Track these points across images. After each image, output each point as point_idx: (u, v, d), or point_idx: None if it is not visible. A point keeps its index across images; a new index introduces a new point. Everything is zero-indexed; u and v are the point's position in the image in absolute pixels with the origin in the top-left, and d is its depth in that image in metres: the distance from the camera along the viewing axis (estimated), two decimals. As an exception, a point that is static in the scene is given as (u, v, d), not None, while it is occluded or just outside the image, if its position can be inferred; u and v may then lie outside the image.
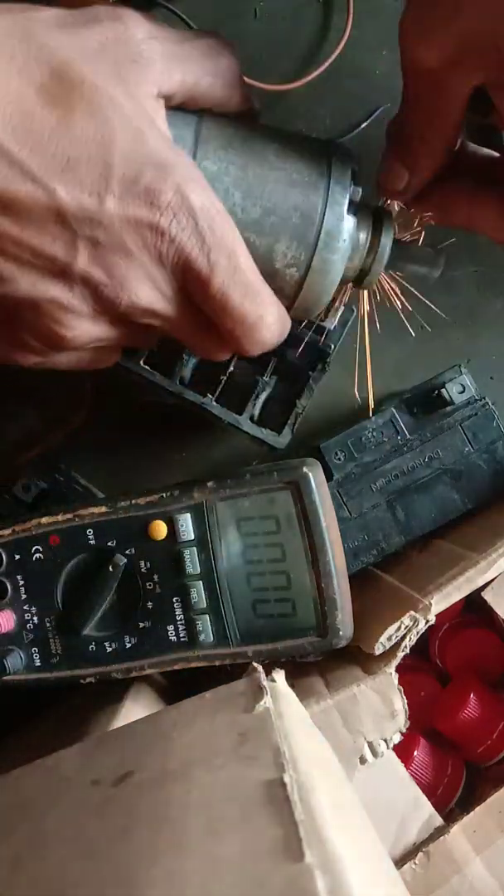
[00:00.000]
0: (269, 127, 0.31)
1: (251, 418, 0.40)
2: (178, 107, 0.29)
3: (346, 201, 0.30)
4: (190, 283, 0.28)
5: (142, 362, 0.38)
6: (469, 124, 0.31)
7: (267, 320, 0.29)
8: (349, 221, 0.30)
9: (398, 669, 0.33)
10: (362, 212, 0.32)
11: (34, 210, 0.25)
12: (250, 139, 0.30)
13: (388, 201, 0.33)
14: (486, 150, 0.33)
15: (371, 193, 0.33)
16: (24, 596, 0.33)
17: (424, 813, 0.34)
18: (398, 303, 0.38)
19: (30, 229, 0.25)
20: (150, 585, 0.33)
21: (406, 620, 0.33)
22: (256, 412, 0.41)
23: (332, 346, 0.40)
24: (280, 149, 0.30)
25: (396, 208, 0.34)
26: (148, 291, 0.27)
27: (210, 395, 0.39)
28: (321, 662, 0.37)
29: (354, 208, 0.31)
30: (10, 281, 0.26)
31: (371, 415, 0.41)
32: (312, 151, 0.30)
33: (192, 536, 0.33)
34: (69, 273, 0.26)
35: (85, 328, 0.28)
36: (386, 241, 0.32)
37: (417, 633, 0.33)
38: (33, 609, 0.33)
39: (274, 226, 0.29)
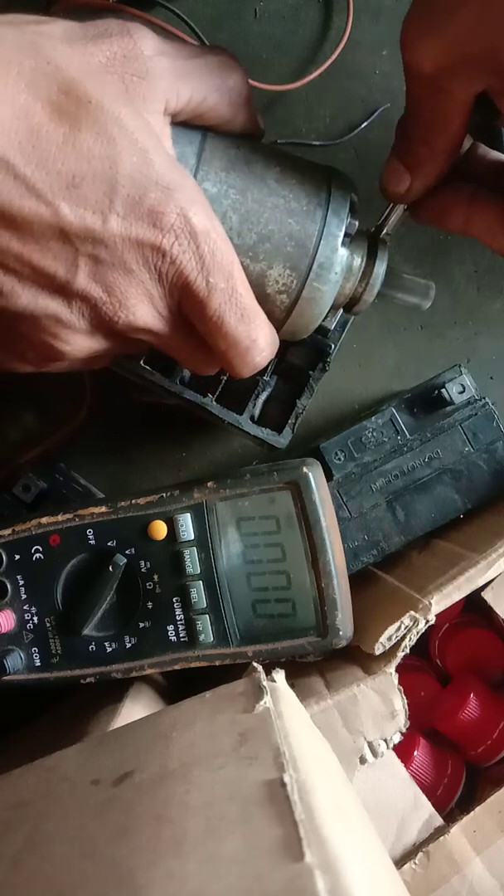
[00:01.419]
0: (271, 149, 0.31)
1: (251, 418, 0.40)
2: (184, 123, 0.29)
3: (342, 233, 0.30)
4: (187, 303, 0.28)
5: (142, 362, 0.38)
6: (478, 127, 0.30)
7: (259, 344, 0.30)
8: (343, 253, 0.30)
9: (398, 669, 0.33)
10: (358, 239, 0.32)
11: (37, 226, 0.25)
12: (252, 162, 0.30)
13: (385, 231, 0.33)
14: (496, 154, 0.32)
15: (374, 199, 0.33)
16: (24, 596, 0.33)
17: (424, 813, 0.34)
18: None
19: (31, 245, 0.25)
20: (150, 585, 0.33)
21: (406, 620, 0.33)
22: (257, 412, 0.41)
23: (333, 346, 0.40)
24: (281, 175, 0.30)
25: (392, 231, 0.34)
26: (145, 310, 0.28)
27: (210, 395, 0.39)
28: (321, 662, 0.37)
29: (350, 238, 0.31)
30: (9, 295, 0.26)
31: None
32: (312, 179, 0.30)
33: (191, 536, 0.33)
34: (69, 290, 0.26)
35: (81, 343, 0.28)
36: (379, 270, 0.32)
37: (417, 633, 0.33)
38: (33, 609, 0.33)
39: (268, 252, 0.30)
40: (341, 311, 0.35)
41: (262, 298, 0.30)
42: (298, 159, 0.31)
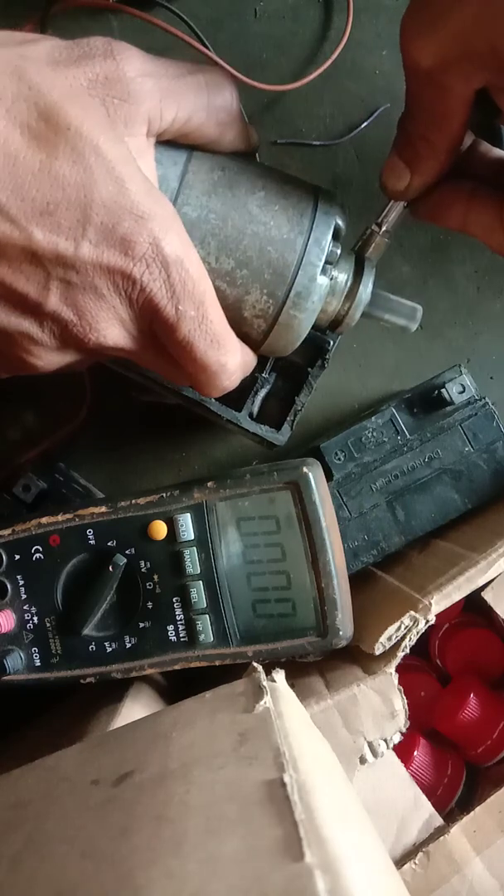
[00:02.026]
0: (259, 170, 0.31)
1: (250, 415, 0.40)
2: (169, 142, 0.29)
3: (321, 263, 0.30)
4: (157, 327, 0.28)
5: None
6: (479, 124, 0.30)
7: (229, 368, 0.30)
8: (322, 282, 0.30)
9: (398, 669, 0.33)
10: (344, 259, 0.32)
11: (10, 249, 0.25)
12: (236, 186, 0.30)
13: (385, 228, 0.33)
14: (497, 151, 0.32)
15: (374, 198, 0.33)
16: (24, 596, 0.33)
17: (424, 813, 0.34)
18: None
19: (4, 267, 0.25)
20: (150, 585, 0.33)
21: (406, 620, 0.33)
22: (256, 409, 0.41)
23: (332, 343, 0.40)
24: (264, 200, 0.30)
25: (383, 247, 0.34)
26: (116, 332, 0.28)
27: (210, 394, 0.39)
28: (321, 662, 0.37)
29: (332, 265, 0.31)
30: None
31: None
32: (297, 204, 0.30)
33: (191, 536, 0.33)
34: (40, 311, 0.27)
35: (52, 358, 0.29)
36: (364, 291, 0.32)
37: (417, 633, 0.33)
38: (33, 609, 0.33)
39: (245, 278, 0.30)
40: (326, 329, 0.34)
41: (239, 321, 0.30)
42: (287, 180, 0.31)
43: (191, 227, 0.28)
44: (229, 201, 0.29)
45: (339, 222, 0.31)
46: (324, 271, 0.30)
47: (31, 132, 0.24)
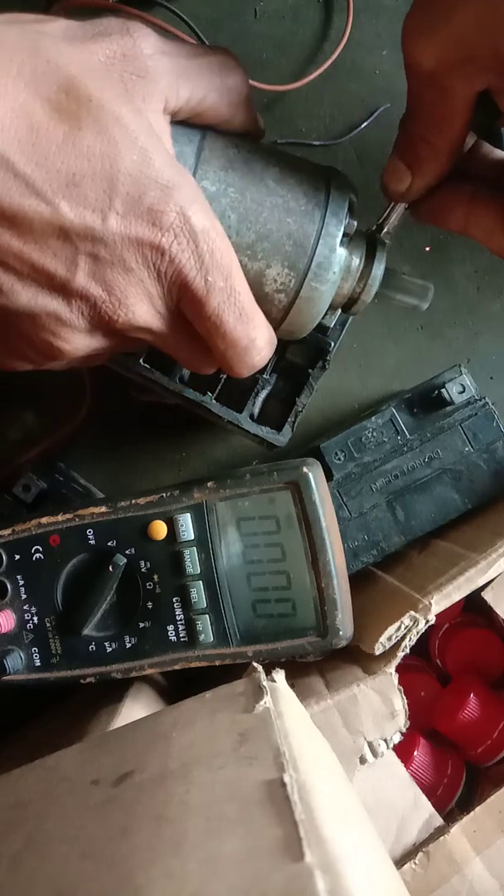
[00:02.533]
0: (271, 149, 0.31)
1: (251, 416, 0.40)
2: (183, 122, 0.29)
3: (340, 233, 0.30)
4: (186, 302, 0.28)
5: (141, 361, 0.38)
6: (481, 126, 0.30)
7: (258, 344, 0.30)
8: (341, 253, 0.30)
9: (398, 669, 0.33)
10: (357, 239, 0.32)
11: (36, 224, 0.25)
12: (251, 161, 0.30)
13: (386, 230, 0.33)
14: (499, 153, 0.32)
15: (374, 199, 0.33)
16: (24, 596, 0.33)
17: (424, 813, 0.34)
18: None
19: (31, 243, 0.25)
20: (150, 585, 0.33)
21: (406, 620, 0.33)
22: (256, 410, 0.41)
23: (332, 344, 0.40)
24: (280, 174, 0.30)
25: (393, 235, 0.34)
26: (145, 309, 0.28)
27: (210, 393, 0.39)
28: (321, 662, 0.37)
29: (348, 239, 0.31)
30: (9, 293, 0.26)
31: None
32: (311, 179, 0.30)
33: (191, 536, 0.33)
34: (68, 288, 0.26)
35: (81, 341, 0.28)
36: (377, 271, 0.32)
37: (417, 633, 0.33)
38: (33, 609, 0.33)
39: (266, 251, 0.30)
40: (340, 310, 0.35)
41: (260, 297, 0.30)
42: (298, 159, 0.31)
43: (210, 202, 0.28)
44: (246, 175, 0.29)
45: (353, 197, 0.31)
46: (342, 243, 0.30)
47: (52, 105, 0.24)
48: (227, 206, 0.29)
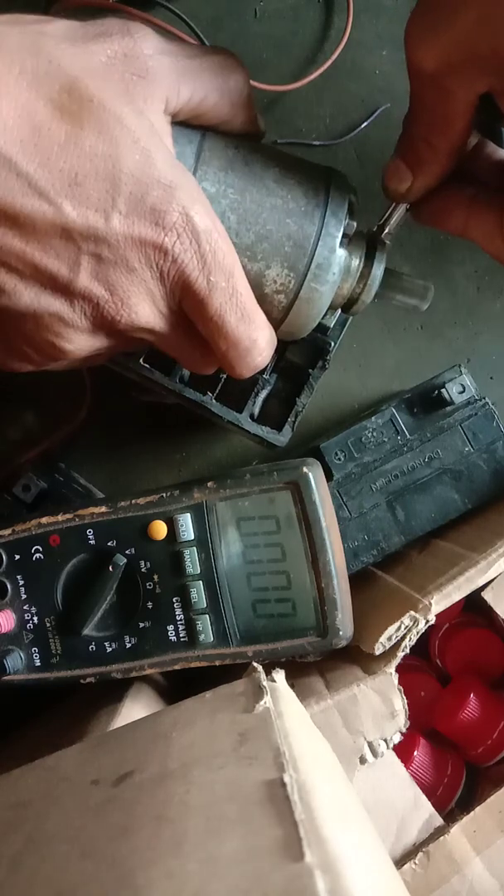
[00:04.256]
0: (271, 149, 0.31)
1: (251, 416, 0.40)
2: (183, 122, 0.29)
3: (340, 234, 0.30)
4: (188, 303, 0.28)
5: (141, 361, 0.38)
6: (483, 127, 0.30)
7: (260, 344, 0.30)
8: (341, 254, 0.30)
9: (398, 669, 0.33)
10: (356, 240, 0.32)
11: (39, 225, 0.25)
12: (251, 162, 0.30)
13: (387, 230, 0.33)
14: (502, 153, 0.32)
15: (374, 199, 0.33)
16: (24, 596, 0.33)
17: (424, 813, 0.34)
18: None
19: (34, 243, 0.25)
20: (150, 585, 0.33)
21: (406, 620, 0.33)
22: (256, 410, 0.41)
23: (332, 344, 0.40)
24: (279, 175, 0.30)
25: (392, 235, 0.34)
26: (147, 309, 0.28)
27: (210, 393, 0.39)
28: (321, 662, 0.37)
29: (348, 239, 0.31)
30: (11, 294, 0.26)
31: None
32: (311, 180, 0.30)
33: (191, 536, 0.33)
34: (71, 289, 0.26)
35: (83, 341, 0.28)
36: (377, 271, 0.32)
37: (417, 633, 0.33)
38: (33, 609, 0.33)
39: (266, 252, 0.30)
40: (339, 310, 0.35)
41: (260, 298, 0.30)
42: (298, 160, 0.31)
43: (210, 202, 0.28)
44: (246, 176, 0.29)
45: (353, 198, 0.31)
46: (342, 244, 0.30)
47: (54, 105, 0.24)
48: (226, 206, 0.29)
